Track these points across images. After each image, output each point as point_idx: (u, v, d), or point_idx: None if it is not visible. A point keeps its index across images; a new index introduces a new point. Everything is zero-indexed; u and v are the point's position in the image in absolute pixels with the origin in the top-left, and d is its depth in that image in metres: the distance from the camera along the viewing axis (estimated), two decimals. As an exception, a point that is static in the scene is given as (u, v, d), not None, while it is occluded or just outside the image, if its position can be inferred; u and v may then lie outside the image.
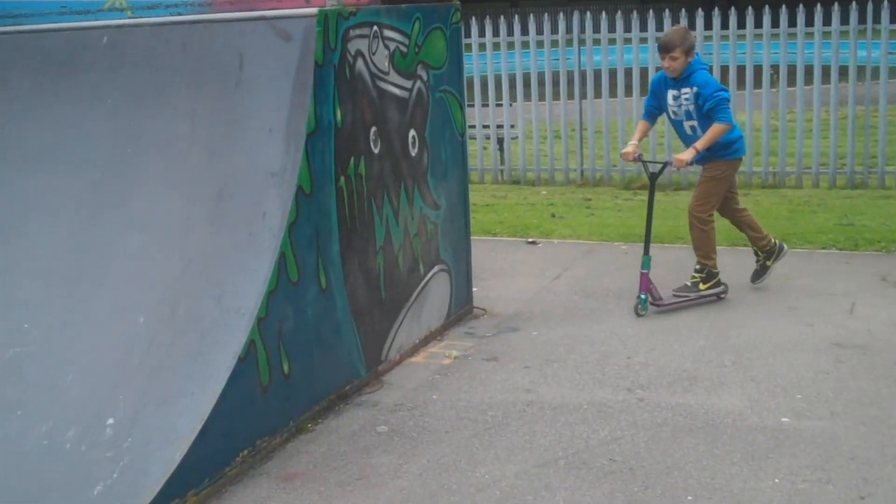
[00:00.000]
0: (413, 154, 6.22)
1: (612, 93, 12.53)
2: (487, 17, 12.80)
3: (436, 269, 6.57)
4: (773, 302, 7.25)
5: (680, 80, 7.01)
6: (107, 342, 4.95)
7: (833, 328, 6.63)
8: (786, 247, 7.72)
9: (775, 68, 11.77)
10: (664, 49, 6.98)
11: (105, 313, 5.08)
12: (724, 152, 7.10)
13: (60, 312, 5.14)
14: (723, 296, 7.36)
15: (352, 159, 5.56)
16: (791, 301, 7.25)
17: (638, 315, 6.99)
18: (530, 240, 9.33)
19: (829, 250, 8.72)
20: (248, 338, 4.74)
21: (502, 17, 12.84)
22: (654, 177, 7.22)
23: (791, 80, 11.76)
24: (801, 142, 11.71)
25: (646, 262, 7.05)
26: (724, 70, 11.86)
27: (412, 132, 6.19)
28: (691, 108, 7.02)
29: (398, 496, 4.60)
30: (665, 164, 7.38)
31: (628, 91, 12.32)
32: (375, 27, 5.75)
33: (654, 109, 7.42)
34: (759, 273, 7.65)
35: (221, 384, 4.59)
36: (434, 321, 6.66)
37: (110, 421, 4.61)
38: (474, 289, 7.31)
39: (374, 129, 5.76)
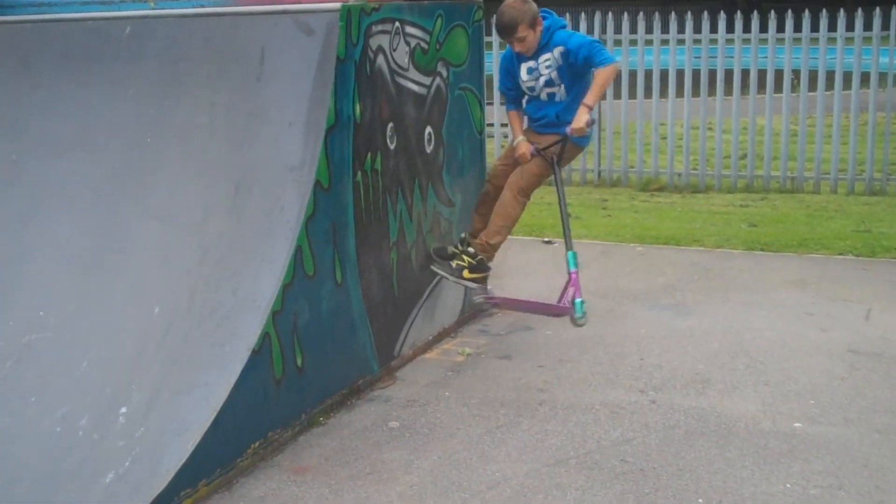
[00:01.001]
0: (429, 151, 6.22)
1: (632, 94, 12.51)
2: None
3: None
4: (789, 307, 7.22)
5: (537, 51, 6.05)
6: (122, 331, 4.97)
7: (848, 334, 6.61)
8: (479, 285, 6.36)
9: (796, 73, 11.73)
10: (506, 32, 6.02)
11: (122, 302, 5.10)
12: (565, 128, 5.99)
13: (77, 300, 5.17)
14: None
15: (369, 154, 5.57)
16: (807, 306, 7.23)
17: (576, 325, 6.05)
18: (546, 239, 9.32)
19: (846, 256, 8.69)
20: (262, 330, 4.75)
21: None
22: (557, 160, 6.15)
23: (812, 86, 11.71)
24: (820, 147, 11.67)
25: (571, 259, 6.09)
26: (745, 73, 11.82)
27: (428, 129, 6.19)
28: (553, 74, 6.04)
29: (409, 491, 4.61)
30: (563, 139, 6.05)
31: (648, 93, 12.29)
32: (397, 23, 5.76)
33: (515, 92, 6.35)
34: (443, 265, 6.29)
35: (235, 376, 4.61)
36: (448, 318, 6.66)
37: (123, 410, 4.63)
38: (489, 287, 7.30)
39: (391, 125, 5.77)
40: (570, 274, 6.04)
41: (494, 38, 12.45)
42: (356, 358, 5.65)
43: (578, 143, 6.18)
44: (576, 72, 5.99)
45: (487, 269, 6.26)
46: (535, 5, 5.99)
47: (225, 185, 5.23)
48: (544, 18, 6.05)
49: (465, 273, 6.18)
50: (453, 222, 6.59)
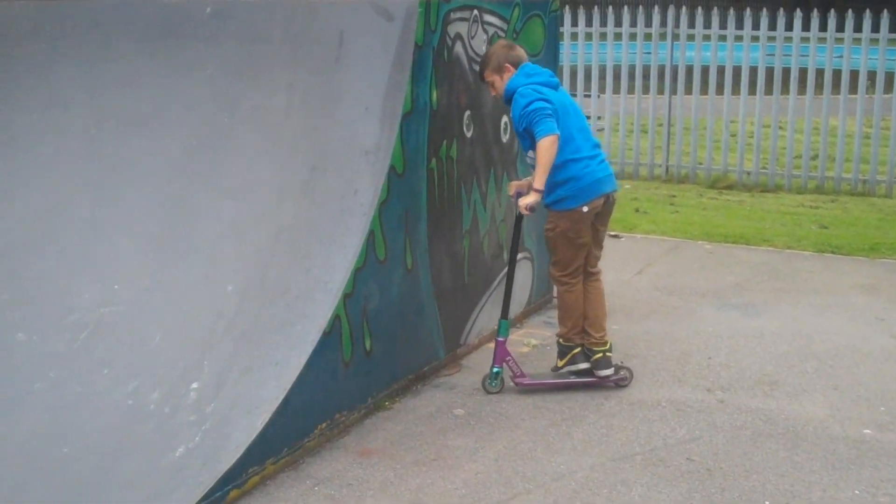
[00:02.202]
0: (504, 140, 6.21)
1: (703, 90, 12.39)
2: (581, 6, 12.72)
3: (519, 256, 6.55)
4: (859, 311, 7.12)
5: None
6: (195, 307, 5.00)
7: (921, 341, 6.51)
8: (604, 373, 5.70)
9: (872, 75, 11.53)
10: (479, 74, 5.73)
11: (195, 278, 5.13)
12: (549, 198, 5.46)
13: (151, 275, 5.21)
14: (608, 377, 5.70)
15: (444, 142, 5.57)
16: (878, 312, 7.12)
17: (487, 392, 5.63)
18: (613, 233, 9.27)
19: (918, 262, 8.55)
20: (333, 312, 4.78)
21: (596, 7, 12.75)
22: (518, 218, 5.65)
23: (888, 87, 11.52)
24: (894, 150, 11.47)
25: (503, 327, 5.69)
26: (820, 73, 11.65)
27: (505, 118, 6.18)
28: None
29: (473, 479, 4.61)
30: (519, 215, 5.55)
31: (720, 90, 12.16)
32: (476, 11, 5.74)
33: None
34: (558, 366, 5.80)
35: (305, 356, 4.64)
36: (514, 308, 6.65)
37: (195, 385, 4.67)
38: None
39: (468, 112, 5.76)
40: (496, 341, 5.67)
41: (566, 30, 12.39)
42: (423, 344, 5.66)
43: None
44: (530, 139, 5.37)
45: (570, 348, 5.75)
46: (514, 53, 5.54)
47: (300, 166, 5.24)
48: (522, 69, 5.51)
49: (559, 361, 5.78)
50: (526, 213, 6.57)
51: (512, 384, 5.65)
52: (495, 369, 5.63)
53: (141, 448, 4.49)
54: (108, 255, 5.39)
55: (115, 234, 5.45)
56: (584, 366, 5.68)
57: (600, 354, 5.65)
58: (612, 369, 5.68)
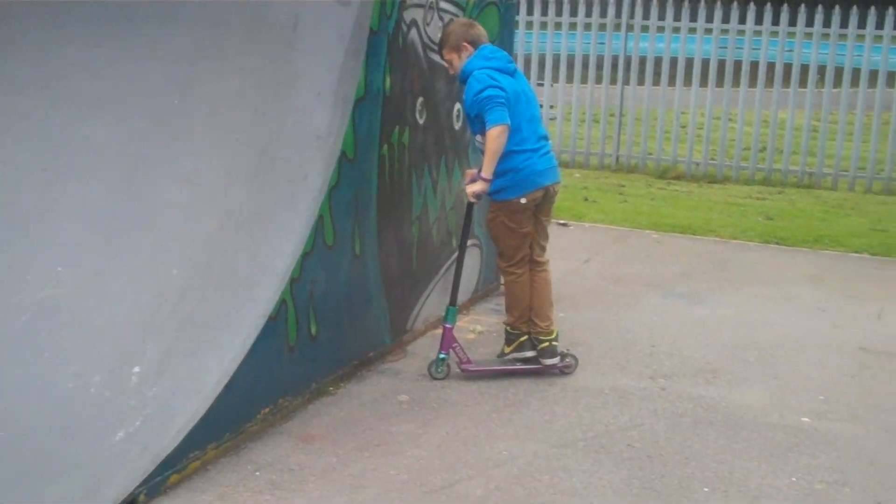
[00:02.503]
0: (457, 127, 6.23)
1: (656, 81, 12.48)
2: (537, -5, 12.77)
3: (468, 243, 6.57)
4: (802, 302, 7.23)
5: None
6: (140, 291, 4.98)
7: (860, 332, 6.62)
8: (549, 361, 5.74)
9: (821, 70, 11.69)
10: (438, 51, 5.74)
11: (141, 262, 5.11)
12: (491, 188, 5.43)
13: (97, 258, 5.18)
14: (554, 366, 5.76)
15: (396, 128, 5.58)
16: (820, 302, 7.23)
17: (433, 378, 5.63)
18: (562, 222, 9.33)
19: (861, 254, 8.69)
20: (279, 297, 4.78)
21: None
22: (469, 206, 5.68)
23: (837, 82, 11.67)
24: (840, 144, 11.64)
25: (451, 314, 5.71)
26: (770, 67, 11.78)
27: (457, 105, 6.20)
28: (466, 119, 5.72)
29: (416, 465, 4.64)
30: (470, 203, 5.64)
31: (672, 81, 12.25)
32: (431, -2, 5.75)
33: None
34: (503, 351, 5.86)
35: (250, 341, 4.63)
36: (461, 295, 6.66)
37: (137, 369, 4.65)
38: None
39: (420, 99, 5.78)
40: (444, 327, 5.68)
41: (520, 18, 12.42)
42: (370, 329, 5.68)
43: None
44: (480, 125, 5.37)
45: (517, 336, 5.79)
46: (473, 31, 5.54)
47: (251, 150, 5.23)
48: (480, 50, 5.51)
49: (505, 347, 5.84)
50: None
51: (458, 370, 5.68)
52: (441, 355, 5.66)
53: (81, 431, 4.47)
54: (55, 238, 5.36)
55: (63, 217, 5.42)
56: (530, 354, 5.73)
57: (546, 343, 5.70)
58: (558, 358, 5.74)
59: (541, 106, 12.09)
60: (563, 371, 5.76)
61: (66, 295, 5.11)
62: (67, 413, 4.57)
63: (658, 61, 12.36)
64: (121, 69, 5.67)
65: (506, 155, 5.34)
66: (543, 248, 5.78)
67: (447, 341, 5.65)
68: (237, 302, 4.82)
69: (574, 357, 5.82)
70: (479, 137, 5.45)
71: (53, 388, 4.69)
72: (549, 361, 5.72)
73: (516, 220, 5.55)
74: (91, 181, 5.45)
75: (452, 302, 5.71)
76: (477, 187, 5.38)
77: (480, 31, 5.59)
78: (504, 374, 5.72)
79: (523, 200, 5.49)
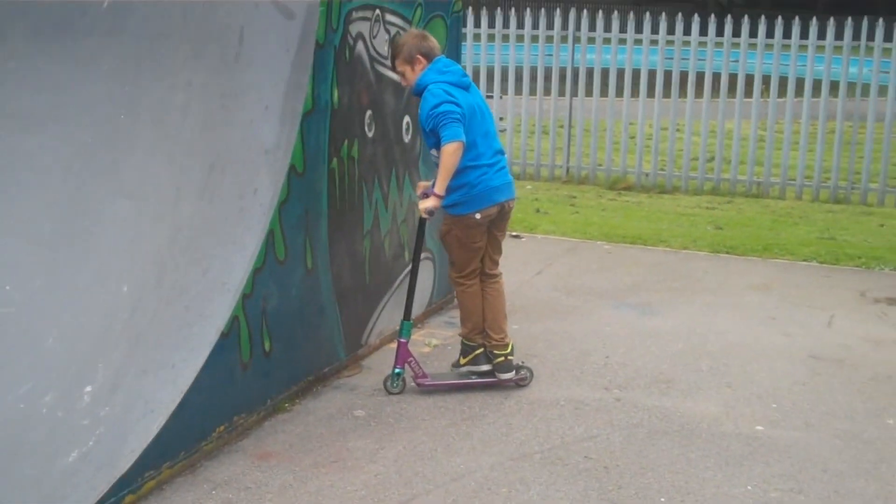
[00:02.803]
0: (406, 140, 6.22)
1: (603, 92, 12.54)
2: (483, 7, 12.79)
3: (421, 256, 6.55)
4: (752, 310, 7.29)
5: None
6: (89, 309, 4.90)
7: (811, 340, 6.68)
8: (505, 376, 5.73)
9: (766, 79, 11.82)
10: (390, 61, 5.73)
11: (89, 279, 5.03)
12: (445, 202, 5.41)
13: (44, 276, 5.09)
14: (509, 380, 5.74)
15: (346, 141, 5.56)
16: (770, 311, 7.29)
17: (389, 393, 5.61)
18: (514, 234, 9.33)
19: (809, 263, 8.77)
20: (231, 313, 4.73)
21: (498, 8, 12.82)
22: (421, 220, 5.61)
23: (781, 92, 11.81)
24: (787, 153, 11.76)
25: (406, 328, 5.70)
26: (716, 77, 11.90)
27: (407, 118, 6.19)
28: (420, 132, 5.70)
29: (373, 480, 4.61)
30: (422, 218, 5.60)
31: (619, 92, 12.32)
32: (378, 10, 5.74)
33: None
34: (458, 362, 5.89)
35: (203, 358, 4.59)
36: (416, 308, 6.64)
37: (88, 388, 4.57)
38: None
39: (369, 112, 5.75)
40: (398, 342, 5.67)
41: (468, 31, 12.44)
42: (324, 345, 5.64)
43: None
44: (435, 139, 5.35)
45: (473, 348, 5.80)
46: (426, 44, 5.50)
47: (198, 165, 5.17)
48: (435, 63, 5.49)
49: (460, 360, 5.84)
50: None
51: (413, 384, 5.65)
52: (397, 370, 5.63)
53: (33, 452, 4.39)
54: (1, 257, 5.26)
55: (7, 235, 5.32)
56: (485, 368, 5.72)
57: (502, 358, 5.69)
58: (514, 372, 5.73)
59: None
60: (519, 384, 5.75)
61: (13, 315, 5.02)
62: (18, 434, 4.48)
63: (605, 72, 12.43)
64: (64, 84, 5.59)
65: (461, 170, 5.33)
66: (496, 262, 5.77)
67: (402, 356, 5.61)
68: (189, 319, 4.76)
69: (529, 370, 5.82)
70: (433, 152, 5.41)
71: (3, 409, 4.60)
72: (504, 376, 5.71)
73: (470, 236, 5.54)
74: (36, 198, 5.36)
75: (407, 316, 5.67)
76: (430, 203, 5.34)
77: (433, 43, 5.56)
78: (459, 389, 5.69)
79: (478, 216, 5.48)
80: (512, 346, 5.74)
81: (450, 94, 5.32)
